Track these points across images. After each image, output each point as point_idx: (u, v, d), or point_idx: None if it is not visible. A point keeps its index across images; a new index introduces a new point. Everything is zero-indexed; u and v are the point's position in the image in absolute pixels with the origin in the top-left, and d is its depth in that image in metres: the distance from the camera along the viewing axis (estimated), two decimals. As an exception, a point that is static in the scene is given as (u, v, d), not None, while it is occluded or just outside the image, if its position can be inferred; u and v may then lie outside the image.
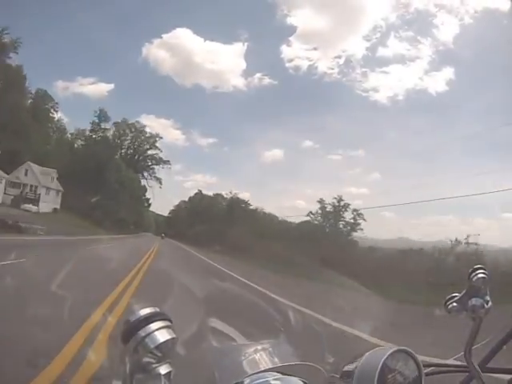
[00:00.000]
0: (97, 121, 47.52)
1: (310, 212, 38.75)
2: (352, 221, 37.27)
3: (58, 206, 40.53)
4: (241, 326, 0.92)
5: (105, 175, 42.88)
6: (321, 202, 39.16)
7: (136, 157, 52.25)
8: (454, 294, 1.01)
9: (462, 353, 0.98)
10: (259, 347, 0.83)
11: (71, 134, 47.23)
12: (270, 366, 0.78)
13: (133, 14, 50.71)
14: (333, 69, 45.85)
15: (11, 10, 36.43)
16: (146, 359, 0.58)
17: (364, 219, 36.54)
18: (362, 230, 36.19)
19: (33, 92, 40.78)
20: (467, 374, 1.00)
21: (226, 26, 51.02)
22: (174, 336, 0.60)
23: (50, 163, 38.64)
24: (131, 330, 0.58)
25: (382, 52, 45.23)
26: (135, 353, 0.58)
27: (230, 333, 1.08)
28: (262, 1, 48.29)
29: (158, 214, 57.08)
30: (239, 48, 45.55)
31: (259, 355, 0.81)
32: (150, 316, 0.59)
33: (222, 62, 49.05)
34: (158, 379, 0.59)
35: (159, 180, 51.80)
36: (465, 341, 0.98)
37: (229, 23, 52.70)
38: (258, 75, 45.26)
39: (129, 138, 51.49)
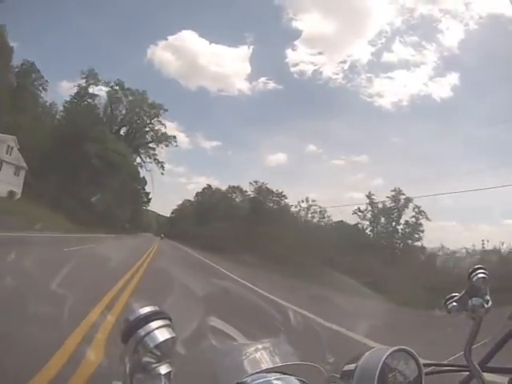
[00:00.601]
0: (84, 84, 36.85)
1: (358, 209, 30.70)
2: (413, 220, 28.67)
3: (17, 190, 28.68)
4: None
5: (83, 148, 31.39)
6: (369, 196, 30.55)
7: (132, 132, 40.63)
8: (453, 294, 1.01)
9: (462, 352, 0.98)
10: (260, 347, 0.83)
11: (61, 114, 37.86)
12: (271, 366, 0.78)
13: (138, 15, 50.49)
14: (338, 74, 45.60)
15: (17, 11, 35.35)
16: (146, 358, 0.58)
17: (428, 218, 28.36)
18: (422, 232, 28.16)
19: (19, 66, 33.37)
20: (467, 373, 1.00)
21: (232, 29, 50.94)
22: (174, 335, 0.60)
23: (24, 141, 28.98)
24: (131, 329, 0.58)
25: (386, 57, 45.43)
26: (135, 352, 0.57)
27: (230, 332, 1.08)
28: (267, 4, 48.19)
29: (159, 215, 54.88)
30: (244, 51, 45.51)
31: (260, 355, 0.81)
32: (149, 315, 0.59)
33: (227, 65, 49.00)
34: (157, 379, 0.58)
35: (161, 164, 41.24)
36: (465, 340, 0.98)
37: (234, 26, 52.68)
38: (263, 79, 45.28)
39: (124, 109, 39.73)
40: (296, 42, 48.92)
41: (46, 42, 45.57)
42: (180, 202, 49.98)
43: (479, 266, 0.99)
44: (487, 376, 0.96)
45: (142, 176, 42.49)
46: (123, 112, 40.47)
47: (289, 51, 48.27)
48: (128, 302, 5.91)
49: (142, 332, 0.57)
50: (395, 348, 0.80)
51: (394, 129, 46.92)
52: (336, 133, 45.74)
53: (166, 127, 40.87)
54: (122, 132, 40.86)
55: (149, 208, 48.23)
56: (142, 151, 41.82)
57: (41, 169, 29.74)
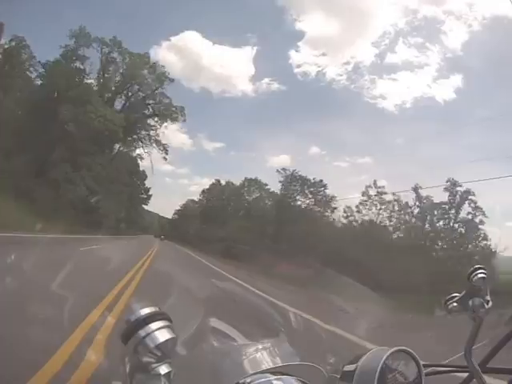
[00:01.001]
0: (73, 44, 29.30)
1: (406, 204, 25.00)
2: (469, 217, 23.58)
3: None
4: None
5: (56, 112, 24.52)
6: (416, 189, 24.41)
7: (129, 105, 32.91)
8: (454, 294, 1.01)
9: (463, 353, 0.98)
10: (260, 347, 0.83)
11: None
12: (271, 366, 0.78)
13: (141, 15, 50.63)
14: (341, 75, 46.00)
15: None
16: (146, 359, 0.58)
17: (485, 215, 23.36)
18: (483, 230, 23.06)
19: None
20: (467, 374, 1.00)
21: (235, 30, 51.17)
22: (174, 336, 0.60)
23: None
24: (131, 330, 0.58)
25: (390, 59, 45.80)
26: (135, 353, 0.58)
27: (230, 333, 1.08)
28: (270, 5, 48.34)
29: (162, 217, 54.10)
30: (248, 52, 45.61)
31: (260, 355, 0.81)
32: (149, 316, 0.59)
33: (231, 65, 48.99)
34: (157, 379, 0.59)
35: (163, 146, 33.12)
36: (465, 341, 0.98)
37: (238, 27, 52.90)
38: (266, 80, 45.51)
39: (120, 74, 32.07)
40: (299, 43, 48.92)
41: (48, 39, 45.50)
42: (183, 202, 48.59)
43: (479, 266, 0.99)
44: (487, 377, 0.96)
45: (142, 170, 35.50)
46: (118, 78, 32.49)
47: (292, 52, 48.66)
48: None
49: (142, 333, 0.57)
50: (395, 349, 0.80)
51: (397, 130, 47.09)
52: (339, 134, 45.87)
53: (171, 101, 32.76)
54: (116, 105, 32.56)
55: (150, 209, 46.87)
56: (140, 132, 33.63)
57: (3, 147, 22.22)
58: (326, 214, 27.18)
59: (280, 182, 29.88)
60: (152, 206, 46.12)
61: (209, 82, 56.86)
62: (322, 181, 28.15)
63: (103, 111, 27.14)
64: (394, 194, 25.30)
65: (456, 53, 35.60)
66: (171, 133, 42.72)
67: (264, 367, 0.77)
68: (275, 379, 0.74)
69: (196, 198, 43.50)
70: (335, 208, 27.09)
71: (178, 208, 47.68)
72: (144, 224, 49.54)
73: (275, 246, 21.45)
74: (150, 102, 33.35)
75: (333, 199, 27.30)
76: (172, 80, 32.69)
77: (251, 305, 7.02)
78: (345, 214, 26.14)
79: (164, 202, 57.20)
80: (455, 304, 0.99)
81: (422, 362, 0.84)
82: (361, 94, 43.30)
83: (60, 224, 18.96)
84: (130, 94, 33.21)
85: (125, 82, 32.65)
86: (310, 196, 28.52)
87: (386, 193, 25.54)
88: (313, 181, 28.50)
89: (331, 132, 47.31)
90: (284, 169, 29.77)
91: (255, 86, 46.72)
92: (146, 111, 33.67)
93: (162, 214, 53.51)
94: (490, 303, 0.96)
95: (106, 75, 31.97)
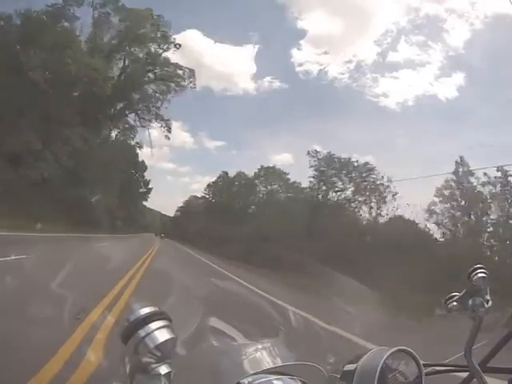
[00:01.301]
0: (61, 3, 24.20)
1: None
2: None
3: None
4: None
5: (18, 61, 18.95)
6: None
7: (125, 71, 27.25)
8: (453, 294, 1.01)
9: (463, 353, 0.98)
10: (260, 347, 0.83)
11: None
12: (271, 366, 0.78)
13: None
14: (343, 74, 46.05)
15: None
16: (146, 359, 0.58)
17: None
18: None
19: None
20: (467, 373, 1.00)
21: (237, 28, 51.51)
22: (174, 336, 0.60)
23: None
24: (131, 330, 0.58)
25: (392, 57, 45.89)
26: (135, 353, 0.58)
27: (230, 333, 1.08)
28: (272, 3, 48.67)
29: (164, 215, 53.78)
30: (249, 50, 45.65)
31: (260, 355, 0.81)
32: (149, 315, 0.59)
33: (232, 64, 49.22)
34: (157, 379, 0.59)
35: (166, 123, 28.30)
36: (465, 340, 0.98)
37: (239, 25, 53.26)
38: (268, 78, 45.54)
39: (116, 35, 26.44)
40: (301, 42, 49.16)
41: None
42: (186, 199, 47.29)
43: (479, 265, 0.99)
44: (487, 376, 0.96)
45: (141, 160, 31.72)
46: (115, 41, 26.63)
47: (294, 51, 48.74)
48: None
49: (142, 333, 0.57)
50: (395, 348, 0.80)
51: (399, 129, 47.25)
52: (341, 133, 46.00)
53: (181, 69, 27.42)
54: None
55: (152, 207, 46.32)
56: (139, 106, 28.14)
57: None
58: (373, 204, 20.78)
59: (312, 166, 24.18)
60: (154, 204, 45.76)
61: (210, 80, 57.00)
62: (367, 163, 22.14)
63: (85, 59, 21.17)
64: (485, 173, 18.92)
65: (458, 51, 35.65)
66: (173, 131, 42.57)
67: (264, 367, 0.77)
68: (275, 379, 0.74)
69: (199, 193, 39.36)
70: (389, 196, 20.37)
71: (181, 205, 46.65)
72: (145, 222, 49.27)
73: (313, 250, 16.24)
74: (151, 67, 27.97)
75: (388, 187, 20.39)
76: (178, 46, 27.49)
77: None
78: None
79: (166, 201, 57.21)
80: (455, 303, 0.99)
81: (422, 362, 0.84)
82: (363, 93, 43.28)
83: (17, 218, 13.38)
84: (127, 61, 27.62)
85: (121, 42, 26.76)
86: (349, 183, 22.71)
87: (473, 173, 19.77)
88: (356, 164, 22.59)
89: (333, 130, 47.37)
90: (316, 151, 24.25)
91: (257, 85, 46.78)
92: (147, 79, 28.13)
93: (164, 213, 53.39)
94: (490, 303, 0.96)
95: (97, 32, 26.18)
